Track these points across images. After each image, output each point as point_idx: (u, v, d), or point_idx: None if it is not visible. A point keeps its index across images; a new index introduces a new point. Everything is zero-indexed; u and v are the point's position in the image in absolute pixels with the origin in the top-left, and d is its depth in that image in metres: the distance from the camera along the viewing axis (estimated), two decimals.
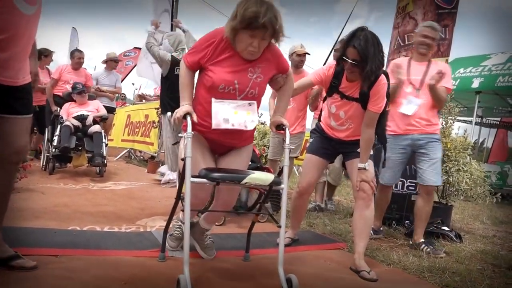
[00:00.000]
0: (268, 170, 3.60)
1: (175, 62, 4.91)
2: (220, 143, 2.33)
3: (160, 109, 5.47)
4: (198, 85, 2.28)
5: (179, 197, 2.32)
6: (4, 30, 1.74)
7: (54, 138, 5.62)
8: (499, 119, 11.72)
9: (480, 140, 13.47)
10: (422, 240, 3.32)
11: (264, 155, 4.99)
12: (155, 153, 7.63)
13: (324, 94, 3.00)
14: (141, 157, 9.24)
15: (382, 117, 2.80)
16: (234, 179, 2.05)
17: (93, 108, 6.09)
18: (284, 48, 2.34)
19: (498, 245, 3.79)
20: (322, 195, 4.91)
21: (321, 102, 3.30)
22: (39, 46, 6.68)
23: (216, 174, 2.03)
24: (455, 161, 4.01)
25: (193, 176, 2.02)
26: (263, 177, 2.09)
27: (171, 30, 7.99)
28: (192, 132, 2.08)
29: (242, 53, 2.15)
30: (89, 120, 5.84)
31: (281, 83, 2.39)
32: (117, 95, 8.57)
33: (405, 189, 4.06)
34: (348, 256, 2.91)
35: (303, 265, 2.64)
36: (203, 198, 2.37)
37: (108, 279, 2.08)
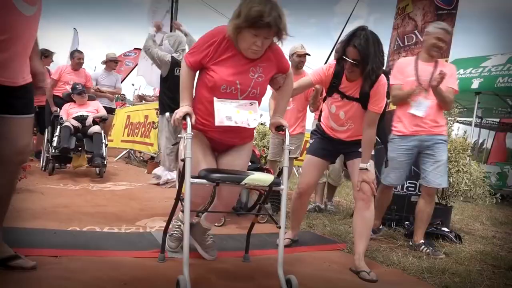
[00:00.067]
0: (268, 171, 3.60)
1: (175, 63, 4.90)
2: (221, 141, 2.33)
3: (158, 110, 5.46)
4: (199, 85, 2.28)
5: (179, 198, 2.32)
6: (3, 31, 1.74)
7: (54, 138, 5.62)
8: (498, 119, 11.72)
9: (480, 141, 13.51)
10: (422, 241, 3.31)
11: (264, 156, 4.99)
12: (155, 153, 7.63)
13: (324, 93, 2.99)
14: (141, 158, 9.24)
15: (382, 117, 2.80)
16: (233, 179, 2.05)
17: (93, 109, 6.09)
18: (284, 48, 2.33)
19: (497, 246, 3.80)
20: (322, 196, 4.91)
21: (322, 102, 3.29)
22: (40, 47, 6.71)
23: (215, 175, 2.03)
24: (455, 162, 4.02)
25: (193, 177, 2.02)
26: (262, 178, 2.09)
27: (171, 30, 7.99)
28: (192, 133, 2.08)
29: (244, 52, 2.14)
30: (89, 120, 5.84)
31: (281, 83, 2.39)
32: (116, 95, 8.57)
33: (404, 190, 4.05)
34: (348, 257, 2.91)
35: (303, 266, 2.65)
36: (203, 198, 2.37)
37: (108, 279, 2.08)
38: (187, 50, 4.98)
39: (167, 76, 4.99)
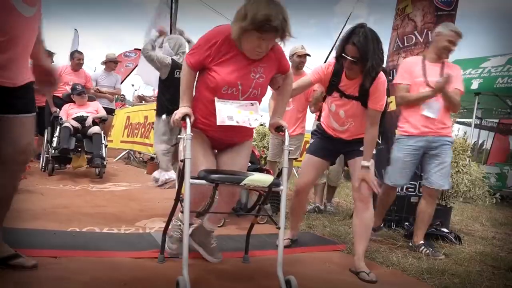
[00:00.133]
0: (267, 172, 3.60)
1: (175, 65, 4.90)
2: (221, 140, 2.34)
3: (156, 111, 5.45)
4: (200, 85, 2.27)
5: (178, 199, 2.32)
6: (3, 32, 1.74)
7: (54, 139, 5.62)
8: (497, 120, 11.72)
9: (480, 142, 13.51)
10: (422, 242, 3.31)
11: (264, 156, 4.99)
12: (155, 154, 7.62)
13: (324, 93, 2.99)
14: (141, 158, 9.25)
15: (383, 115, 2.80)
16: (233, 180, 2.05)
17: (93, 109, 6.10)
18: (285, 49, 2.33)
19: (497, 247, 3.79)
20: (322, 197, 4.91)
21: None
22: None
23: (215, 176, 2.03)
24: (454, 162, 4.01)
25: (192, 178, 2.03)
26: (262, 179, 2.09)
27: (170, 31, 7.98)
28: (191, 134, 2.08)
29: (247, 53, 2.14)
30: (89, 121, 5.85)
31: (280, 83, 2.39)
32: (116, 96, 8.56)
33: (404, 191, 4.05)
34: (347, 258, 2.91)
35: (303, 266, 2.64)
36: (202, 199, 2.37)
37: (107, 280, 2.08)
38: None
39: (167, 78, 4.99)
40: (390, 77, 4.30)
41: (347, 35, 2.54)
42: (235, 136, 2.32)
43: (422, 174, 3.86)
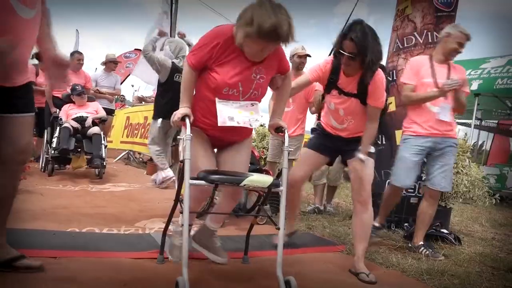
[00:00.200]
0: (267, 172, 3.60)
1: (175, 69, 4.90)
2: (221, 139, 2.34)
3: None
4: (200, 85, 2.27)
5: (178, 199, 2.32)
6: (2, 34, 1.74)
7: (53, 139, 5.62)
8: (497, 121, 11.73)
9: (479, 143, 13.51)
10: (421, 242, 3.31)
11: (263, 157, 4.99)
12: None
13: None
14: (140, 159, 9.24)
15: (383, 115, 2.79)
16: (233, 181, 2.05)
17: (92, 110, 6.10)
18: (285, 50, 2.34)
19: (497, 248, 3.79)
20: (321, 198, 4.91)
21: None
22: None
23: (214, 177, 2.03)
24: (454, 163, 4.01)
25: (192, 178, 2.03)
26: (262, 179, 2.09)
27: (170, 31, 7.99)
28: (191, 134, 2.09)
29: (248, 55, 2.14)
30: (88, 121, 5.85)
31: (279, 83, 2.39)
32: (116, 96, 8.56)
33: (404, 191, 4.05)
34: (347, 259, 2.91)
35: (302, 267, 2.64)
36: (203, 199, 2.37)
37: (107, 280, 2.08)
38: None
39: (166, 81, 4.98)
40: (390, 78, 4.32)
41: (345, 31, 2.52)
42: (235, 135, 2.33)
43: (422, 175, 3.87)
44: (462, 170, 4.01)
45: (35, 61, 6.70)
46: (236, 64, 2.16)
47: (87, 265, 2.27)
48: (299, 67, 4.51)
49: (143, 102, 9.87)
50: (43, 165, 5.96)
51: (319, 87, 3.31)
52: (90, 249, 2.54)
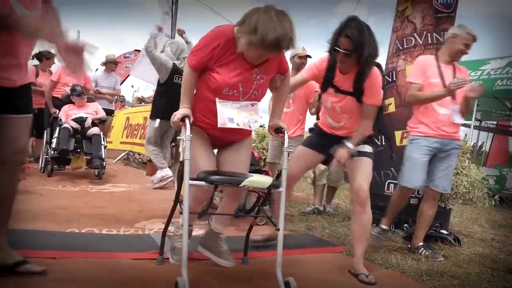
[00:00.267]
0: (266, 173, 3.60)
1: (175, 70, 4.90)
2: (221, 138, 2.35)
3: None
4: (201, 85, 2.27)
5: (178, 200, 2.32)
6: (2, 35, 1.74)
7: (53, 140, 5.62)
8: (496, 122, 11.74)
9: (479, 144, 13.51)
10: (421, 243, 3.31)
11: (263, 158, 4.99)
12: None
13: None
14: (140, 160, 9.24)
15: (380, 111, 2.78)
16: (232, 182, 2.05)
17: (92, 111, 6.10)
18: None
19: (496, 249, 3.79)
20: (321, 198, 4.91)
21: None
22: (41, 48, 6.69)
23: (214, 177, 2.03)
24: None
25: (191, 179, 2.03)
26: (261, 180, 2.09)
27: (171, 32, 8.00)
28: (191, 135, 2.09)
29: (249, 59, 2.15)
30: (88, 122, 5.85)
31: (278, 84, 2.39)
32: (116, 97, 8.56)
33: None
34: (346, 259, 2.91)
35: (302, 268, 2.64)
36: (202, 200, 2.37)
37: (106, 281, 2.08)
38: None
39: (165, 82, 4.99)
40: (390, 79, 4.32)
41: (340, 28, 2.50)
42: (235, 135, 2.33)
43: None
44: (461, 171, 4.01)
45: (36, 62, 6.71)
46: (236, 65, 2.16)
47: (86, 265, 2.27)
48: (299, 68, 4.50)
49: (143, 103, 9.88)
50: (42, 166, 5.96)
51: (318, 88, 3.30)
52: (90, 250, 2.54)
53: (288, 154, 2.27)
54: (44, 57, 6.72)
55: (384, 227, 3.42)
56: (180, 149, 2.22)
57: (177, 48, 5.17)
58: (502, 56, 8.85)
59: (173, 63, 4.96)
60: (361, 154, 2.73)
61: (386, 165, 4.14)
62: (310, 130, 3.10)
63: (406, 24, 4.24)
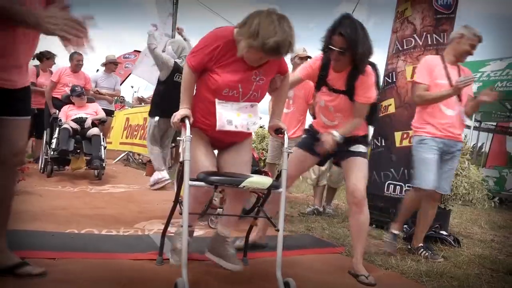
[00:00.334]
0: (266, 174, 3.60)
1: (176, 69, 4.91)
2: (221, 139, 2.35)
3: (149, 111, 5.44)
4: (200, 86, 2.28)
5: (177, 200, 2.32)
6: (2, 36, 1.74)
7: (53, 140, 5.61)
8: (495, 123, 11.75)
9: (479, 145, 13.51)
10: (421, 244, 3.30)
11: (263, 158, 4.99)
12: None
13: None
14: (140, 160, 9.23)
15: (375, 111, 2.77)
16: (232, 182, 2.05)
17: (92, 111, 6.10)
18: None
19: (496, 250, 3.80)
20: (321, 199, 4.91)
21: None
22: (41, 49, 6.69)
23: (214, 178, 2.03)
24: None
25: (191, 179, 2.02)
26: (261, 181, 2.09)
27: (172, 32, 8.01)
28: (191, 135, 2.09)
29: (249, 61, 2.15)
30: (88, 123, 5.84)
31: (278, 84, 2.39)
32: (115, 98, 8.56)
33: (403, 193, 4.05)
34: (346, 260, 2.91)
35: (301, 268, 2.64)
36: (202, 202, 2.36)
37: (106, 282, 2.08)
38: None
39: (166, 80, 5.00)
40: (389, 80, 4.32)
41: (333, 26, 2.49)
42: (236, 135, 2.33)
43: None
44: (461, 172, 4.01)
45: (36, 62, 6.72)
46: (236, 66, 2.17)
47: (86, 266, 2.27)
48: None
49: (143, 103, 9.88)
50: (42, 166, 5.95)
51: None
52: (89, 250, 2.54)
53: (288, 154, 2.27)
54: (45, 57, 6.72)
55: (395, 232, 3.33)
56: (180, 150, 2.22)
57: (178, 46, 5.19)
58: (502, 57, 8.86)
59: (175, 62, 4.98)
60: (356, 154, 2.72)
61: (386, 166, 4.14)
62: (305, 131, 3.09)
63: (406, 25, 4.24)
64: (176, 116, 2.15)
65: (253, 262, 2.63)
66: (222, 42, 2.13)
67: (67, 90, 6.25)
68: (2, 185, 2.00)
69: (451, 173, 3.31)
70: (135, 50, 13.05)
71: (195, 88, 2.31)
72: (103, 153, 5.70)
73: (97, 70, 8.07)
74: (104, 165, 5.71)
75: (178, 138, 2.18)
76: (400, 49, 4.25)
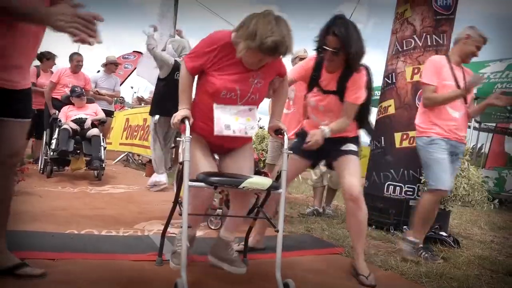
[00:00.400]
0: (265, 174, 3.59)
1: (176, 67, 4.92)
2: (220, 145, 2.34)
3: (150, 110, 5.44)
4: (199, 90, 2.28)
5: (177, 201, 2.32)
6: (3, 37, 1.74)
7: (52, 141, 5.61)
8: (495, 124, 11.76)
9: (478, 145, 13.51)
10: (421, 245, 3.30)
11: (263, 159, 4.99)
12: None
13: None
14: (139, 161, 9.23)
15: (366, 111, 2.77)
16: (231, 183, 2.05)
17: (92, 112, 6.10)
18: None
19: (496, 251, 3.80)
20: (321, 200, 4.91)
21: None
22: (42, 49, 6.69)
23: (214, 178, 2.03)
24: None
25: (191, 180, 2.02)
26: (261, 182, 2.09)
27: (173, 32, 8.01)
28: (190, 136, 2.09)
29: (247, 64, 2.15)
30: (88, 123, 5.85)
31: (276, 86, 2.39)
32: (115, 98, 8.56)
33: (403, 194, 4.06)
34: (346, 261, 2.91)
35: (301, 269, 2.64)
36: (203, 202, 2.36)
37: (106, 282, 2.08)
38: None
39: (166, 78, 5.01)
40: (389, 81, 4.32)
41: (327, 26, 2.49)
42: (235, 141, 2.32)
43: (421, 177, 3.87)
44: (461, 173, 4.01)
45: (37, 62, 6.72)
46: (234, 68, 2.17)
47: (85, 267, 2.27)
48: None
49: (143, 103, 9.88)
50: (42, 167, 5.95)
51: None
52: (89, 251, 2.54)
53: (288, 155, 2.27)
54: (45, 58, 6.72)
55: (412, 239, 3.23)
56: (180, 150, 2.22)
57: (178, 45, 5.21)
58: (502, 58, 8.85)
59: (175, 60, 4.99)
60: (347, 152, 2.72)
61: (385, 167, 4.14)
62: (296, 135, 3.07)
63: (405, 26, 4.24)
64: (176, 117, 2.15)
65: (253, 263, 2.63)
66: (218, 45, 2.13)
67: (67, 90, 6.25)
68: (1, 186, 2.00)
69: (455, 174, 3.33)
70: (134, 51, 13.07)
71: (194, 93, 2.31)
72: (102, 153, 5.70)
73: (98, 71, 8.07)
74: (104, 165, 5.71)
75: (178, 138, 2.18)
76: (400, 50, 4.26)
